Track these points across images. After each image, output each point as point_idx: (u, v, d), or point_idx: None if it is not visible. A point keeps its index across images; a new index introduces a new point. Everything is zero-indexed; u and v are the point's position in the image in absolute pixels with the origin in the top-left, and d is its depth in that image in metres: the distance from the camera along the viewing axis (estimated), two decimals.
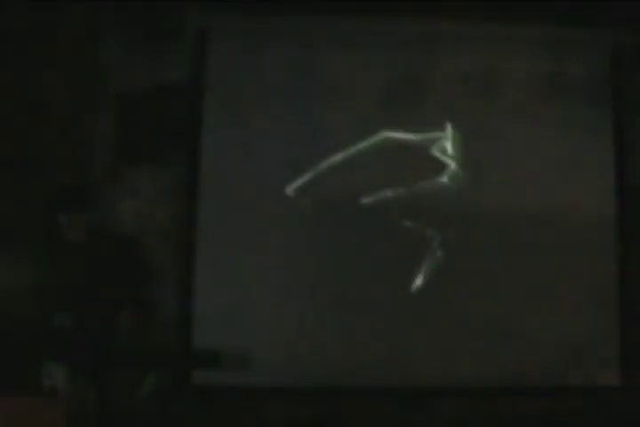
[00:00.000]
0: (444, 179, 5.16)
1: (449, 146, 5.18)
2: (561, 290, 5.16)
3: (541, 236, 5.20)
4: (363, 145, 5.15)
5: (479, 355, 5.06)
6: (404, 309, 5.10)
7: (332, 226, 5.10)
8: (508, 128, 5.27)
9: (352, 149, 5.15)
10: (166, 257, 4.98)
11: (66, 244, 3.99)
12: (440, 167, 5.21)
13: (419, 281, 5.14)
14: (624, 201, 5.33)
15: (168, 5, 5.11)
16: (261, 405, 4.99)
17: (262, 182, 5.10)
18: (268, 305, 5.01)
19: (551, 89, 5.35)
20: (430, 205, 5.17)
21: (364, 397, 5.06)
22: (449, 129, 5.21)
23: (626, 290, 5.25)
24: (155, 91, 5.09)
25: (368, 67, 5.23)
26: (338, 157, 5.14)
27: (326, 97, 5.18)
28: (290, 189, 5.10)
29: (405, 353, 5.06)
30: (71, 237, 3.96)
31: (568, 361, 5.12)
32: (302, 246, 5.09)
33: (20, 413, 3.43)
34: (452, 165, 5.18)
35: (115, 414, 3.87)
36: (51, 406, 3.59)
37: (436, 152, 5.14)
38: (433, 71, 5.28)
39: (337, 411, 5.03)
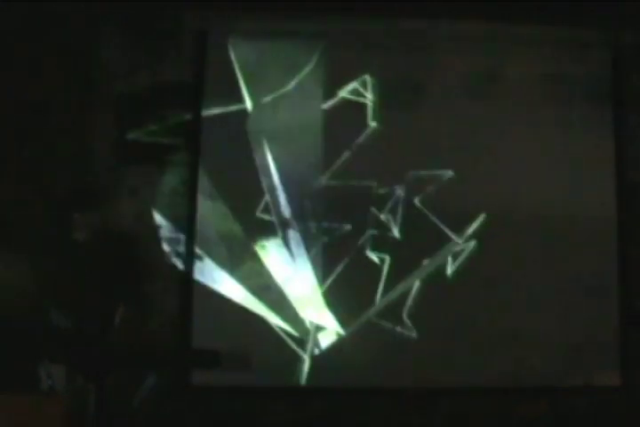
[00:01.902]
0: (371, 122, 5.15)
1: (368, 92, 5.16)
2: (561, 290, 5.16)
3: (541, 235, 5.20)
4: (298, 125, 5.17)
5: (479, 355, 5.06)
6: (403, 309, 5.10)
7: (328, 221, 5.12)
8: (507, 128, 5.27)
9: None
10: (166, 257, 4.98)
11: (66, 244, 4.00)
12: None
13: (418, 282, 5.14)
14: (624, 201, 5.33)
15: (168, 5, 5.11)
16: (261, 405, 4.99)
17: (262, 181, 5.11)
18: (267, 305, 5.01)
19: (551, 89, 5.35)
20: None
21: (365, 397, 5.06)
22: (367, 78, 5.20)
23: (626, 290, 5.25)
24: (155, 91, 5.09)
25: (368, 67, 5.23)
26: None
27: (326, 97, 5.18)
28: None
29: (406, 353, 5.06)
30: (80, 237, 3.97)
31: (568, 361, 5.12)
32: (302, 245, 5.09)
33: (19, 412, 3.43)
34: (370, 104, 5.17)
35: (115, 414, 3.87)
36: (50, 406, 3.59)
37: (353, 97, 5.16)
38: (433, 71, 5.28)
39: (337, 411, 5.03)
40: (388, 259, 5.12)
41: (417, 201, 5.17)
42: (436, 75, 5.29)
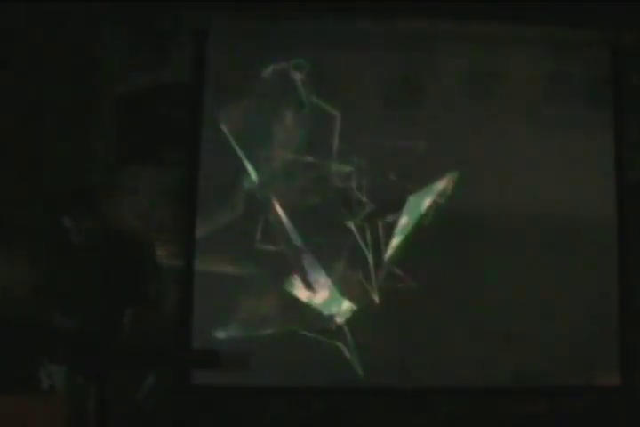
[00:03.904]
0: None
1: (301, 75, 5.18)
2: (561, 290, 5.16)
3: (541, 236, 5.20)
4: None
5: (479, 355, 5.06)
6: (403, 309, 5.10)
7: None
8: (507, 128, 5.27)
9: None
10: (166, 257, 4.97)
11: (66, 244, 3.99)
12: None
13: (418, 282, 5.14)
14: (624, 201, 5.33)
15: (168, 5, 5.11)
16: (261, 405, 4.99)
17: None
18: (268, 305, 5.00)
19: (551, 89, 5.35)
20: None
21: (365, 397, 5.06)
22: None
23: (626, 290, 5.25)
24: (155, 91, 5.09)
25: (368, 67, 5.23)
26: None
27: (326, 97, 5.18)
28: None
29: (405, 353, 5.06)
30: (73, 238, 3.97)
31: (568, 361, 5.12)
32: (317, 262, 5.11)
33: (19, 412, 3.43)
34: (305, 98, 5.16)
35: (115, 414, 3.86)
36: (50, 406, 3.59)
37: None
38: (433, 71, 5.28)
39: (337, 411, 5.03)
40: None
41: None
42: (435, 75, 5.28)
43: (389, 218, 5.14)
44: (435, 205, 5.18)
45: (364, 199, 5.13)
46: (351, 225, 5.11)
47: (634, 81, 5.42)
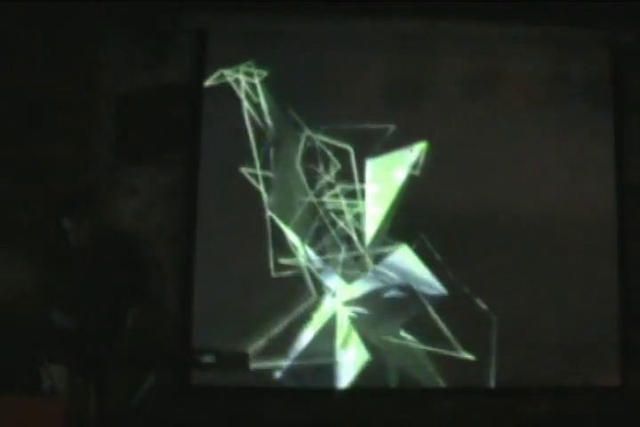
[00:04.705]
0: None
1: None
2: (561, 290, 5.16)
3: (541, 236, 5.20)
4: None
5: (479, 355, 5.06)
6: (403, 309, 5.11)
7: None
8: (507, 128, 5.27)
9: None
10: (166, 257, 4.98)
11: (66, 244, 4.00)
12: None
13: (418, 282, 5.14)
14: (624, 201, 5.33)
15: (168, 5, 5.11)
16: (261, 405, 4.99)
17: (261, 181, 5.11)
18: (267, 305, 5.00)
19: (551, 89, 5.35)
20: None
21: (365, 397, 5.06)
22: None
23: (626, 290, 5.25)
24: (155, 91, 5.09)
25: (368, 67, 5.23)
26: None
27: (326, 97, 5.18)
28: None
29: (405, 353, 5.07)
30: (73, 239, 3.97)
31: (568, 361, 5.12)
32: (335, 274, 5.11)
33: (19, 413, 3.42)
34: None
35: (115, 414, 3.87)
36: (50, 407, 3.59)
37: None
38: (433, 71, 5.28)
39: (337, 411, 5.03)
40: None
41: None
42: (436, 75, 5.28)
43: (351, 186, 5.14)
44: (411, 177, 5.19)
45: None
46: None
47: (634, 81, 5.42)
